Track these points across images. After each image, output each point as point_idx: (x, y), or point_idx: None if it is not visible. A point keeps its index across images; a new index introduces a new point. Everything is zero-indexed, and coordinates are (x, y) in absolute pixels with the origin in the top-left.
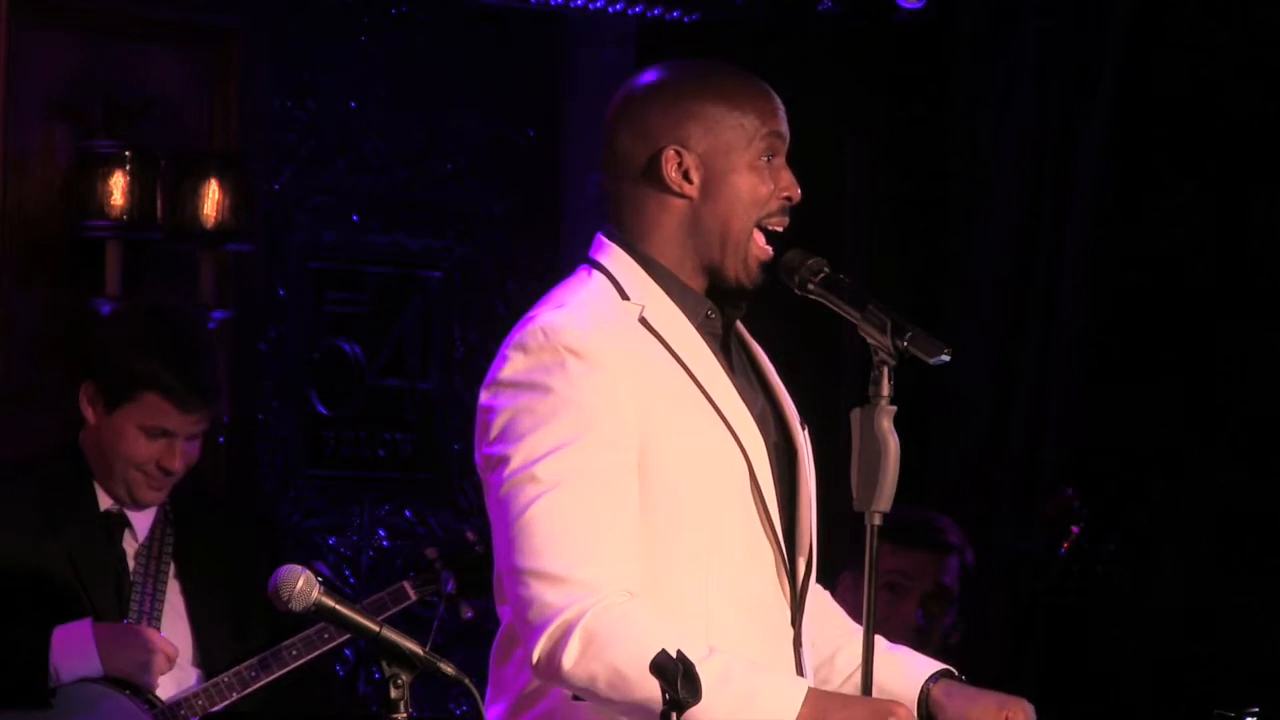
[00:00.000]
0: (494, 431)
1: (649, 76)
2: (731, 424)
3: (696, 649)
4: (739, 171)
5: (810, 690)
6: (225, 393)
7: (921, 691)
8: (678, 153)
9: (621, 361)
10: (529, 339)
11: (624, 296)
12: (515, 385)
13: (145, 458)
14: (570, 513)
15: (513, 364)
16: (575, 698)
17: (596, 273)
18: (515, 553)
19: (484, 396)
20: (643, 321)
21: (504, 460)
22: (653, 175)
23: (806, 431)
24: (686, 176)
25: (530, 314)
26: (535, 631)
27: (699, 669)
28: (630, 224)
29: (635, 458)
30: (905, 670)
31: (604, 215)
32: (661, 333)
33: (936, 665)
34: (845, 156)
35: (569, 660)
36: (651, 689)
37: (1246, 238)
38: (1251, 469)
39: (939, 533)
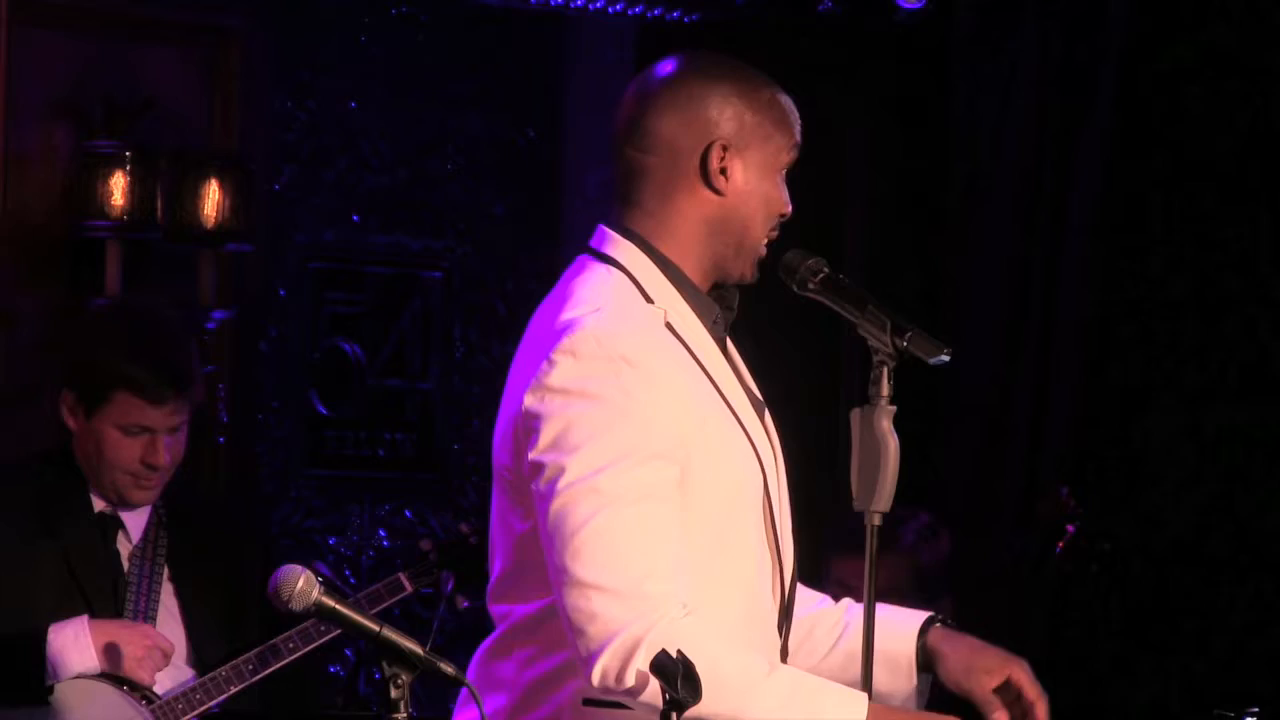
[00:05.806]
0: (545, 439)
1: (700, 64)
2: (750, 434)
3: (759, 664)
4: (767, 181)
5: (870, 705)
6: (199, 379)
7: (917, 645)
8: (724, 149)
9: (666, 370)
10: (580, 345)
11: (647, 299)
12: (566, 393)
13: (130, 458)
14: (632, 527)
15: (562, 370)
16: (586, 701)
17: (616, 271)
18: (577, 565)
19: (529, 400)
20: (668, 326)
21: (560, 470)
22: (694, 164)
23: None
24: (724, 173)
25: (568, 317)
26: (599, 646)
27: (768, 683)
28: (652, 209)
29: (680, 470)
30: (894, 629)
31: (609, 201)
32: (685, 339)
33: (919, 615)
34: (845, 156)
35: (635, 675)
36: (717, 704)
37: (1247, 236)
38: (1249, 468)
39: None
